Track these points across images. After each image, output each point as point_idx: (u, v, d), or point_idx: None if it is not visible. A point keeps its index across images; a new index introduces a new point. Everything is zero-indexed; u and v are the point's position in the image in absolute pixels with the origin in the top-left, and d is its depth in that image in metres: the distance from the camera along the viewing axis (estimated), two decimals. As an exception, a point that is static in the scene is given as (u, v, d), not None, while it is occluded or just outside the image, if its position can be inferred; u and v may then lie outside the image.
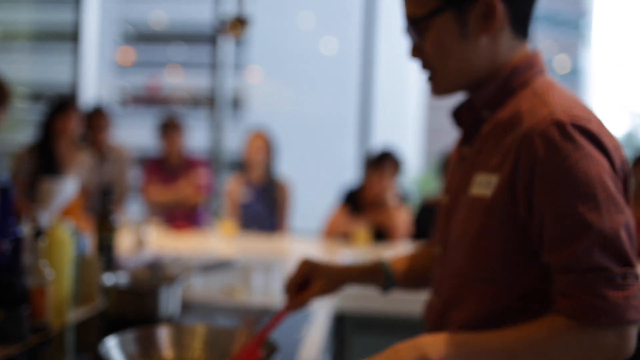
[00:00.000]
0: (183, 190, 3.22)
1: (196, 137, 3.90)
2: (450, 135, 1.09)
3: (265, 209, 3.16)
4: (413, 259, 1.09)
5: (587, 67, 23.19)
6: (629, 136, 14.69)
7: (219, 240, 2.68)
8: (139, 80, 17.06)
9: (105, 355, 0.86)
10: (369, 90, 4.02)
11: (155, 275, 1.35)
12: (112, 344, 0.89)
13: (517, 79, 0.86)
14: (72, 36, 4.29)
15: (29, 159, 2.85)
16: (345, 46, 15.06)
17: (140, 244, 2.14)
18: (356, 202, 2.91)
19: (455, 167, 0.94)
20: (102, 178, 3.11)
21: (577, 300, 0.73)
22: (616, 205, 0.74)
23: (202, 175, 3.25)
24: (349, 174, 5.40)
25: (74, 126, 2.89)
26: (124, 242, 2.15)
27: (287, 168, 3.91)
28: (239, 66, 16.04)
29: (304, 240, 2.95)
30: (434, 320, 0.93)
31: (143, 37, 17.19)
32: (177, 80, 17.05)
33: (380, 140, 3.67)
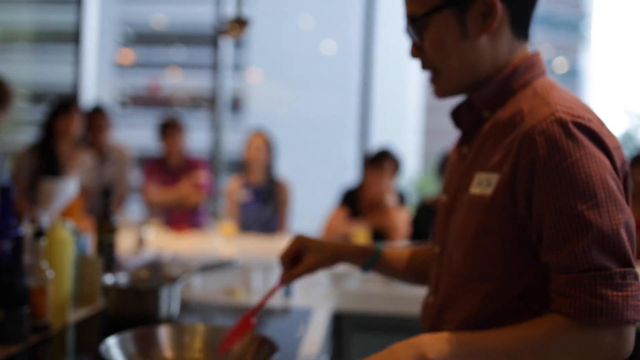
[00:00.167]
0: (183, 189, 3.22)
1: (196, 138, 3.91)
2: (448, 136, 1.10)
3: (265, 209, 3.16)
4: (414, 253, 1.09)
5: (585, 68, 23.21)
6: (627, 136, 14.68)
7: (219, 240, 2.68)
8: (139, 82, 17.08)
9: (105, 354, 0.86)
10: (368, 91, 4.02)
11: (155, 276, 1.36)
12: (112, 344, 0.90)
13: (518, 80, 0.86)
14: (73, 37, 4.30)
15: (30, 159, 2.85)
16: (345, 47, 15.08)
17: (140, 244, 2.14)
18: (355, 202, 2.91)
19: (454, 167, 0.95)
20: (102, 178, 3.11)
21: (575, 300, 0.73)
22: (617, 204, 0.74)
23: (202, 176, 3.25)
24: (349, 175, 5.41)
25: (75, 127, 2.90)
26: (124, 242, 2.15)
27: (286, 169, 3.91)
28: (238, 67, 16.06)
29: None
30: (431, 319, 0.93)
31: (144, 39, 17.21)
32: (177, 81, 17.07)
33: (379, 141, 3.68)
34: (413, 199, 3.92)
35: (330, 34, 16.16)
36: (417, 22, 0.86)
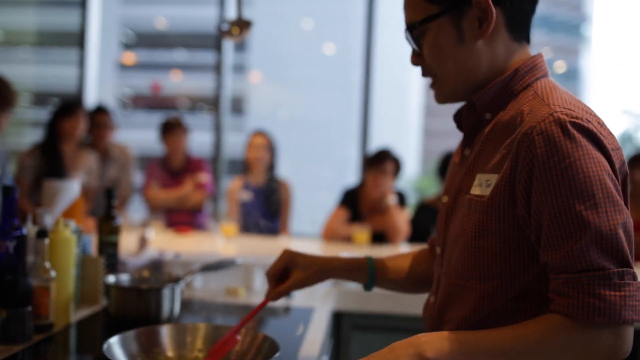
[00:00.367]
0: (185, 190, 3.23)
1: (197, 139, 3.91)
2: (447, 137, 1.11)
3: (266, 210, 3.16)
4: (413, 260, 1.09)
5: (585, 68, 23.19)
6: (625, 136, 14.62)
7: (220, 241, 2.69)
8: (142, 83, 17.12)
9: (108, 354, 0.87)
10: (368, 93, 4.02)
11: (157, 275, 1.36)
12: (114, 343, 0.91)
13: (519, 82, 0.87)
14: (76, 39, 4.32)
15: (34, 160, 2.87)
16: (346, 49, 15.10)
17: (142, 244, 2.15)
18: (355, 202, 2.91)
19: (456, 169, 0.95)
20: (105, 178, 3.12)
21: (573, 300, 0.73)
22: (615, 204, 0.74)
23: (203, 176, 3.26)
24: (350, 176, 5.41)
25: (80, 128, 2.91)
26: (126, 243, 2.16)
27: (287, 171, 3.91)
28: (240, 69, 16.09)
29: (304, 240, 2.96)
30: (432, 319, 0.93)
31: (146, 41, 17.26)
32: (180, 83, 17.10)
33: (380, 142, 3.68)
34: (412, 200, 3.91)
35: (331, 36, 16.18)
36: (415, 30, 0.88)
